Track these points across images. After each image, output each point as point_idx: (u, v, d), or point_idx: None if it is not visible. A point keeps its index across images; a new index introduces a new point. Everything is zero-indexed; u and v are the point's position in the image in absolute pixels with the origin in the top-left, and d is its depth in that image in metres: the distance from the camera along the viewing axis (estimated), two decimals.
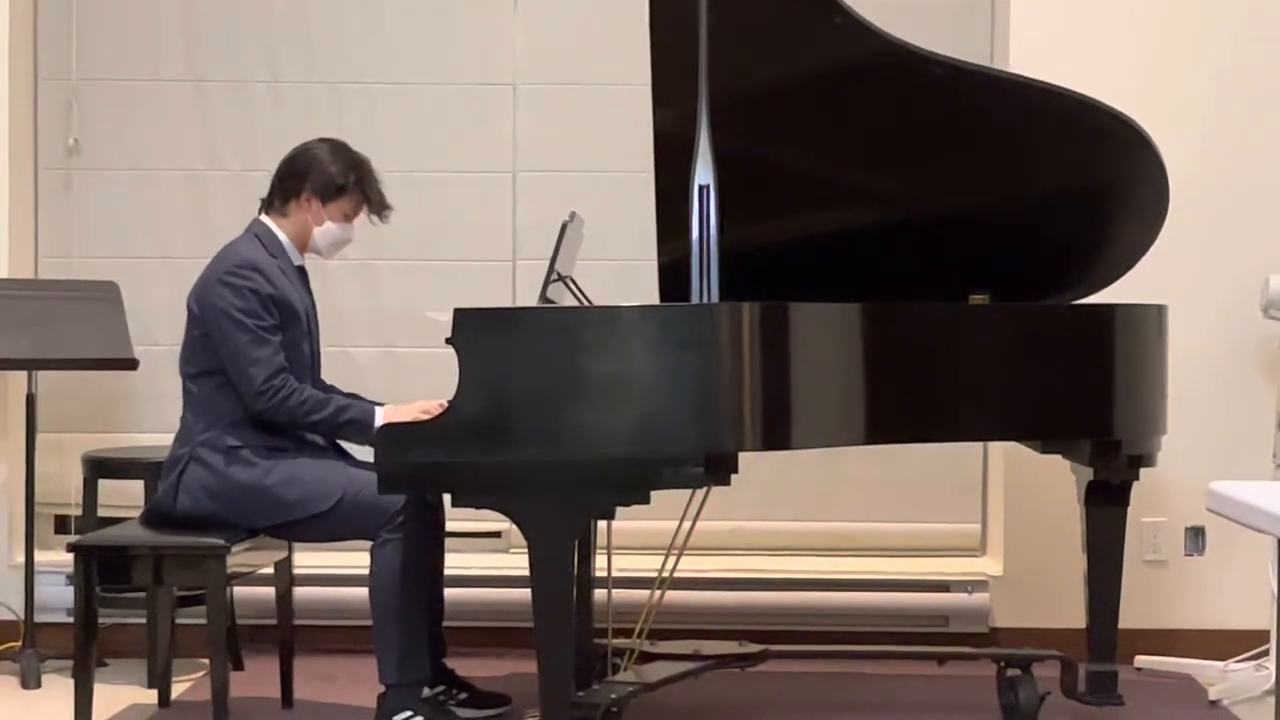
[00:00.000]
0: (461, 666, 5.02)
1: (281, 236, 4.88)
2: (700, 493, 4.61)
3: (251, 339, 4.68)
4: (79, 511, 5.59)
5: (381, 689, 4.67)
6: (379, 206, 4.94)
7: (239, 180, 5.91)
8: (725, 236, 4.21)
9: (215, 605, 4.62)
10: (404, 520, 4.61)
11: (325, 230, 4.89)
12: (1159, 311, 4.84)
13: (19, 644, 5.51)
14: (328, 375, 5.02)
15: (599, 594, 4.96)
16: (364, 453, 4.64)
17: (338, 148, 4.91)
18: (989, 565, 5.94)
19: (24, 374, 5.51)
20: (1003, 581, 5.82)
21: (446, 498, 4.54)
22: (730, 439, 4.21)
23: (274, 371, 4.68)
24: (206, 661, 4.80)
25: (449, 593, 5.03)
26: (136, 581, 4.79)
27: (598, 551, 5.00)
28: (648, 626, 4.89)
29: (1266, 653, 5.27)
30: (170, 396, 4.99)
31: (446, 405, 4.18)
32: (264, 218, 4.91)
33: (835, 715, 5.09)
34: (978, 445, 5.97)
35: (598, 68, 5.97)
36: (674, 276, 4.69)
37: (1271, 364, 5.56)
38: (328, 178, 4.86)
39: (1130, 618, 5.03)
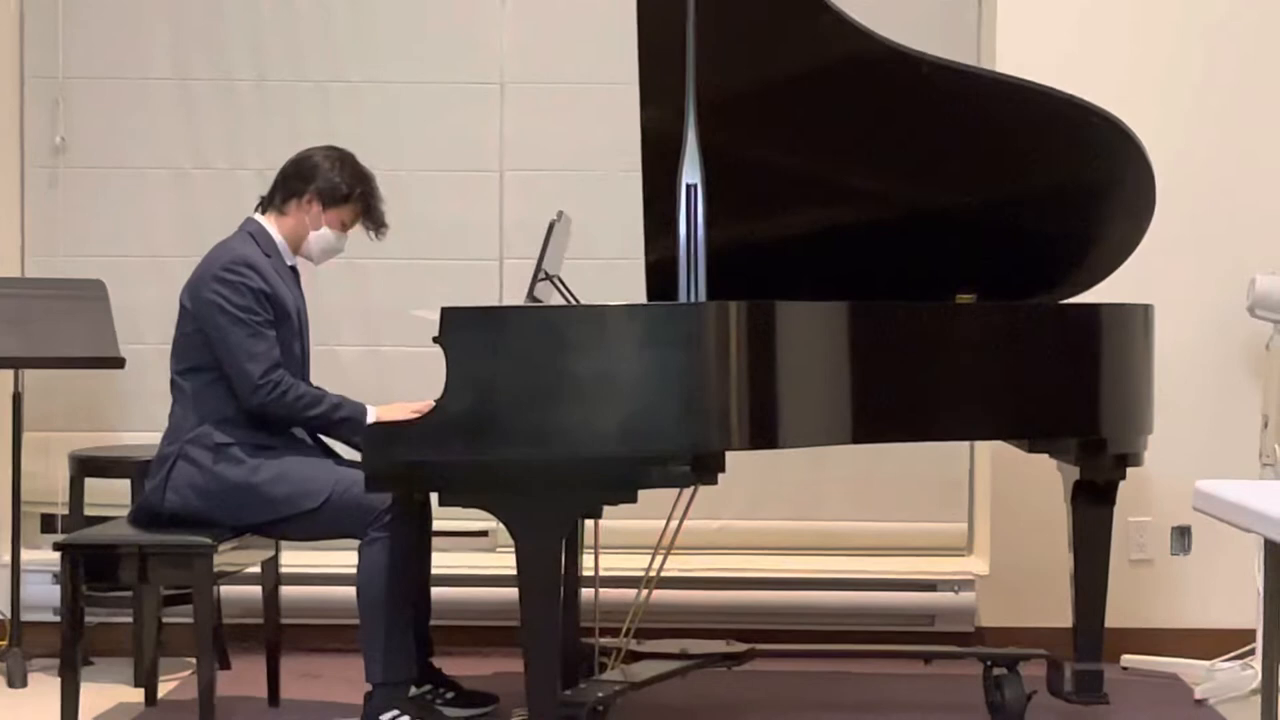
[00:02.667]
0: (448, 665, 5.02)
1: (276, 236, 4.88)
2: (687, 492, 4.61)
3: (248, 333, 4.69)
4: (65, 510, 5.59)
5: (368, 688, 4.67)
6: (377, 223, 4.95)
7: (226, 179, 5.91)
8: (712, 235, 4.21)
9: (202, 604, 4.61)
10: (391, 519, 4.61)
11: (321, 235, 4.90)
12: (1145, 311, 4.85)
13: (5, 643, 5.50)
14: (315, 373, 5.02)
15: (586, 593, 4.96)
16: (352, 452, 4.65)
17: (346, 158, 4.94)
18: (975, 564, 5.94)
19: (10, 372, 5.50)
20: (989, 580, 5.83)
21: (434, 497, 4.54)
22: (717, 438, 4.21)
23: (271, 366, 4.68)
24: (193, 660, 4.81)
25: (436, 592, 5.04)
26: (123, 580, 4.78)
27: (585, 550, 5.00)
28: (635, 625, 4.88)
29: (1252, 652, 5.28)
30: (157, 395, 4.98)
31: (433, 404, 4.18)
32: (259, 216, 4.92)
33: (822, 714, 5.09)
34: (964, 444, 5.97)
35: (585, 67, 5.98)
36: (661, 275, 4.69)
37: (1258, 363, 5.57)
38: (334, 184, 4.88)
39: (1116, 617, 5.03)
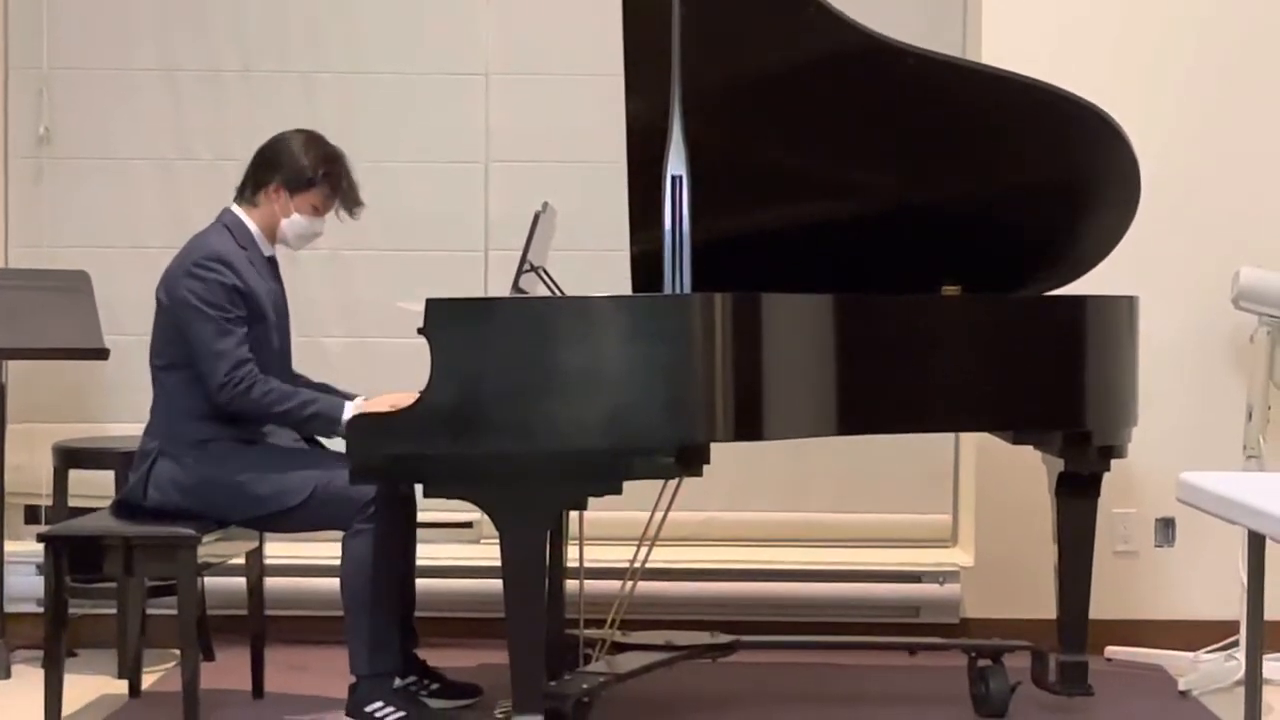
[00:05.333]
0: (433, 657, 5.02)
1: (251, 227, 4.86)
2: (672, 483, 4.61)
3: (216, 330, 4.66)
4: (49, 501, 5.58)
5: (353, 679, 4.67)
6: (350, 202, 4.91)
7: (210, 170, 5.89)
8: (697, 227, 4.21)
9: (186, 595, 4.61)
10: (376, 511, 4.60)
11: (293, 222, 4.87)
12: (1130, 303, 4.86)
13: None
14: (300, 365, 5.02)
15: (571, 584, 4.96)
16: (336, 442, 4.64)
17: (312, 140, 4.89)
18: (960, 556, 5.95)
19: None
20: (974, 572, 5.83)
21: (418, 488, 4.53)
22: (702, 430, 4.21)
23: (237, 363, 4.65)
24: (177, 652, 4.80)
25: (420, 583, 5.03)
26: (107, 572, 4.76)
27: (570, 542, 4.99)
28: (619, 617, 4.89)
29: (1236, 643, 5.29)
30: (141, 386, 4.97)
31: (418, 396, 4.18)
32: (234, 207, 4.89)
33: (806, 706, 5.10)
34: (949, 436, 5.98)
35: (570, 57, 5.97)
36: (646, 267, 4.69)
37: (1242, 355, 5.57)
38: (298, 170, 4.84)
39: (1100, 608, 5.04)
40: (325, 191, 4.87)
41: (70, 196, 6.04)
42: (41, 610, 4.66)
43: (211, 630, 5.50)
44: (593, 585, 4.87)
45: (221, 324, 4.67)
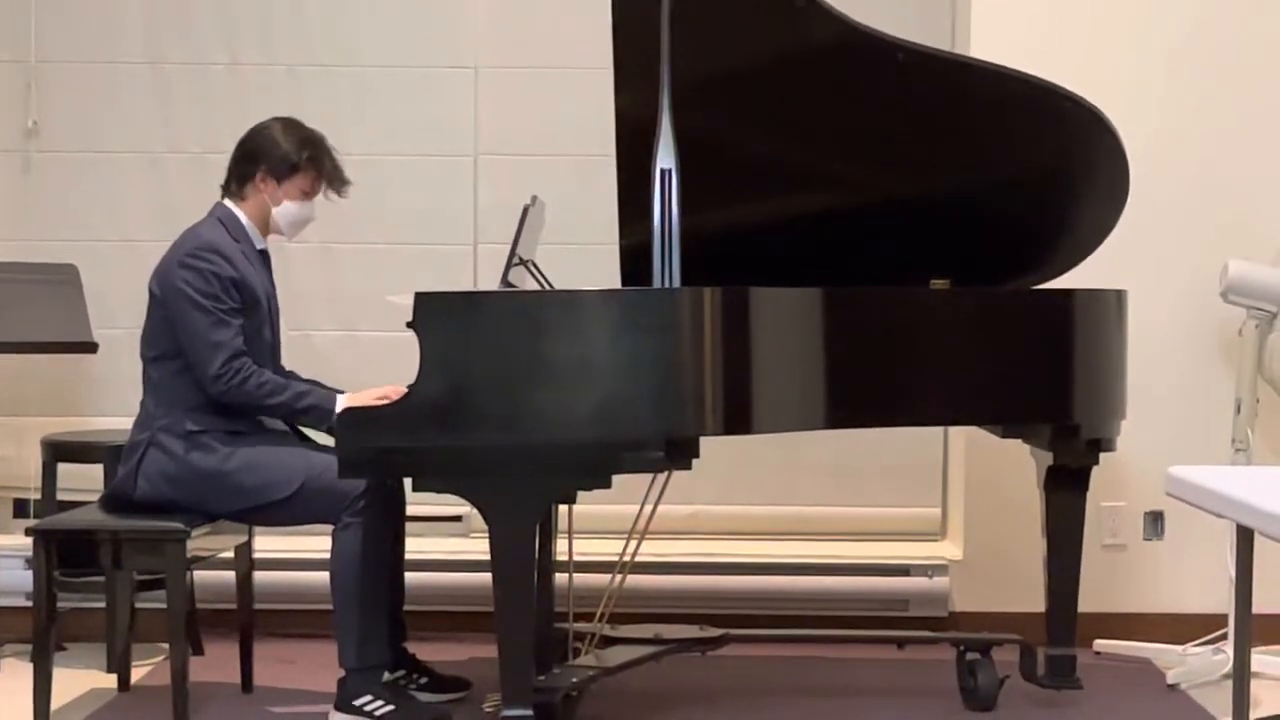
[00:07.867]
0: (422, 651, 5.02)
1: (243, 219, 4.85)
2: (661, 477, 4.62)
3: (211, 321, 4.65)
4: (38, 495, 5.57)
5: (342, 673, 4.66)
6: (337, 181, 4.90)
7: (198, 163, 5.87)
8: (687, 221, 4.21)
9: (175, 589, 4.60)
10: (365, 504, 4.59)
11: (284, 210, 4.86)
12: (1119, 296, 4.86)
13: None
14: (288, 359, 5.01)
15: (560, 578, 4.96)
16: (325, 436, 4.64)
17: (290, 125, 4.87)
18: (949, 549, 5.95)
19: None
20: (963, 565, 5.84)
21: (407, 482, 4.53)
22: (691, 423, 4.21)
23: (232, 354, 4.65)
24: (166, 646, 4.79)
25: (410, 577, 5.02)
26: (96, 565, 4.76)
27: (558, 535, 4.99)
28: (608, 611, 4.89)
29: (1224, 637, 5.29)
30: (130, 380, 4.97)
31: (407, 390, 4.18)
32: (226, 201, 4.89)
33: (795, 699, 5.10)
34: (938, 430, 5.98)
35: (559, 51, 5.96)
36: (636, 261, 4.68)
37: (1230, 349, 5.58)
38: (281, 156, 4.82)
39: (1089, 602, 5.04)
40: (311, 174, 4.85)
41: (58, 190, 6.04)
42: (30, 604, 4.66)
43: (200, 624, 5.49)
44: (582, 579, 4.87)
45: (217, 315, 4.66)
